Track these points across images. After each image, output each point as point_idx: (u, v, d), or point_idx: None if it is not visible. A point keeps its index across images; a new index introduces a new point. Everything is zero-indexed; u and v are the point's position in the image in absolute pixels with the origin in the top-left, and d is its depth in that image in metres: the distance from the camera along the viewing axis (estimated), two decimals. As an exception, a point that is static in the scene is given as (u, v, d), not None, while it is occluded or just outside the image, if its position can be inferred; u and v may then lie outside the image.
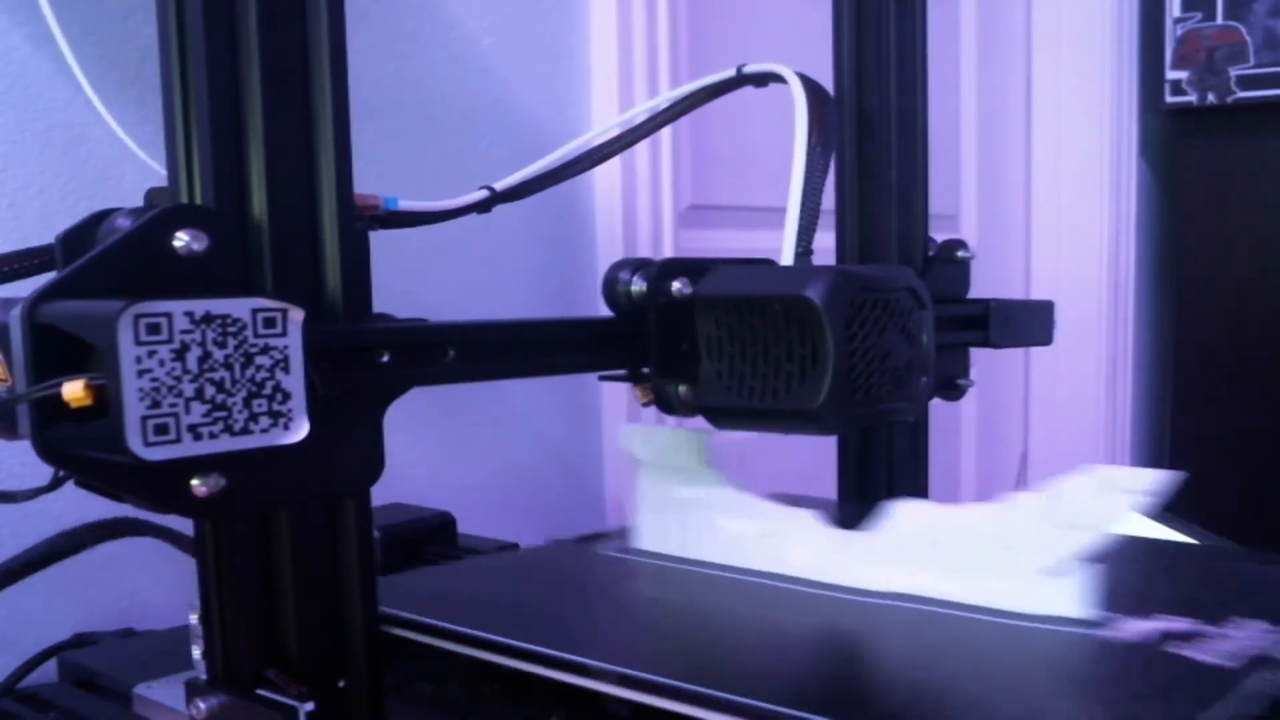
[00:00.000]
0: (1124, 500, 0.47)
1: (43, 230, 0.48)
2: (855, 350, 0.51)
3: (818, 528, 0.56)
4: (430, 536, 0.76)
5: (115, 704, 0.56)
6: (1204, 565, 0.60)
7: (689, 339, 0.54)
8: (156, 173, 0.46)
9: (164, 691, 0.53)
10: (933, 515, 0.53)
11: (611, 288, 0.56)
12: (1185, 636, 0.44)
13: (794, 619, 0.51)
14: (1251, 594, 0.53)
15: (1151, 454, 1.80)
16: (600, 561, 0.62)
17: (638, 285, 0.55)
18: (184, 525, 0.64)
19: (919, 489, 0.75)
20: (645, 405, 0.57)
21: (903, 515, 0.54)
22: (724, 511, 0.59)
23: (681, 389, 0.55)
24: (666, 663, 0.44)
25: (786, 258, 0.56)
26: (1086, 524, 0.48)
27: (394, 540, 0.73)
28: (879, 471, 0.74)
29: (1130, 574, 0.56)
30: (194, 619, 0.46)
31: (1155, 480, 0.47)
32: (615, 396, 1.04)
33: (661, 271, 0.55)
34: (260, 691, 0.44)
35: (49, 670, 0.64)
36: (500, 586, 0.61)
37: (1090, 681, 0.42)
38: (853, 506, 0.62)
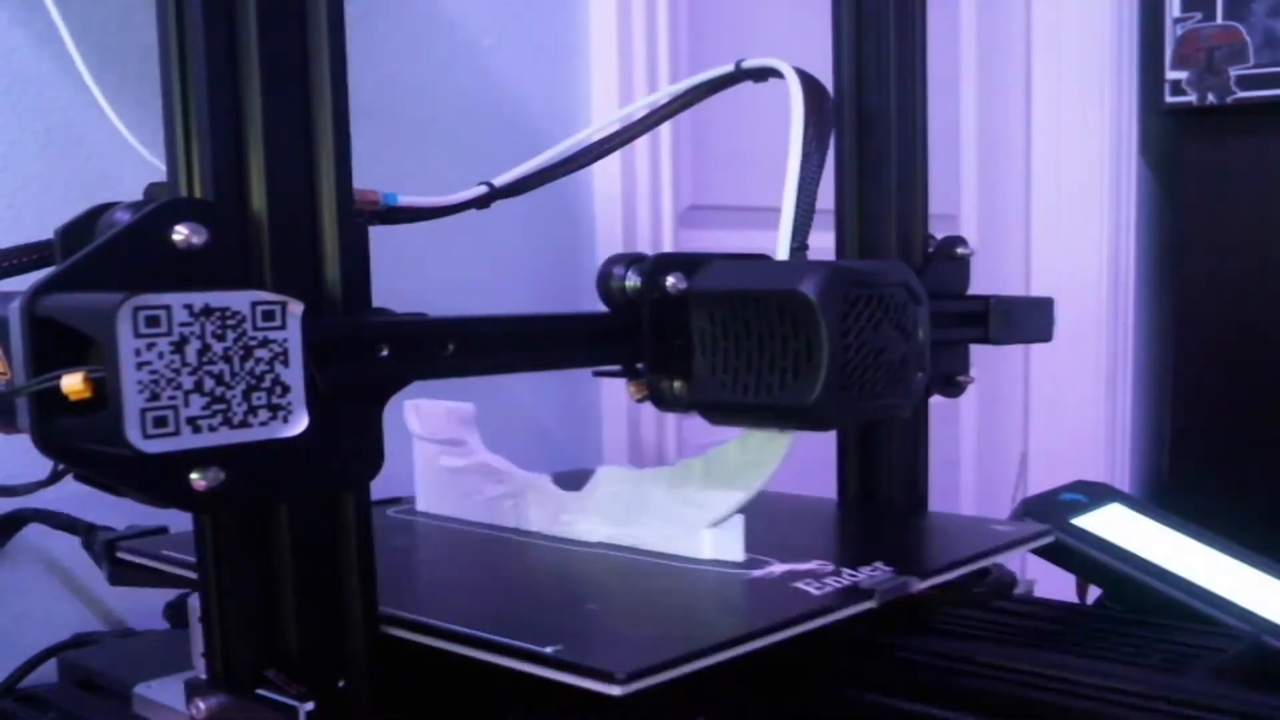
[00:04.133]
0: (768, 463, 0.57)
1: (42, 229, 0.48)
2: (850, 345, 0.50)
3: (549, 490, 0.65)
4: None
5: (115, 704, 0.56)
6: (882, 521, 0.73)
7: (683, 334, 0.54)
8: (156, 171, 0.46)
9: (164, 691, 0.53)
10: (629, 478, 0.62)
11: (606, 283, 0.56)
12: (814, 575, 0.54)
13: (525, 565, 0.60)
14: (908, 542, 0.67)
15: (1151, 454, 1.80)
16: (387, 522, 0.69)
17: (632, 280, 0.55)
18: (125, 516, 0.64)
19: (919, 488, 0.75)
20: (639, 401, 0.57)
21: (607, 479, 0.63)
22: (480, 477, 0.67)
23: (676, 385, 0.55)
24: (415, 603, 0.51)
25: (782, 253, 0.56)
26: (740, 484, 0.58)
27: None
28: (879, 471, 0.74)
29: (812, 529, 0.70)
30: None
31: (787, 445, 0.57)
32: (614, 392, 1.04)
33: (655, 266, 0.55)
34: (260, 691, 0.44)
35: (49, 670, 0.64)
36: None
37: (708, 606, 0.53)
38: (575, 473, 0.69)
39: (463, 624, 0.47)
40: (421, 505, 0.71)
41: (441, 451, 0.68)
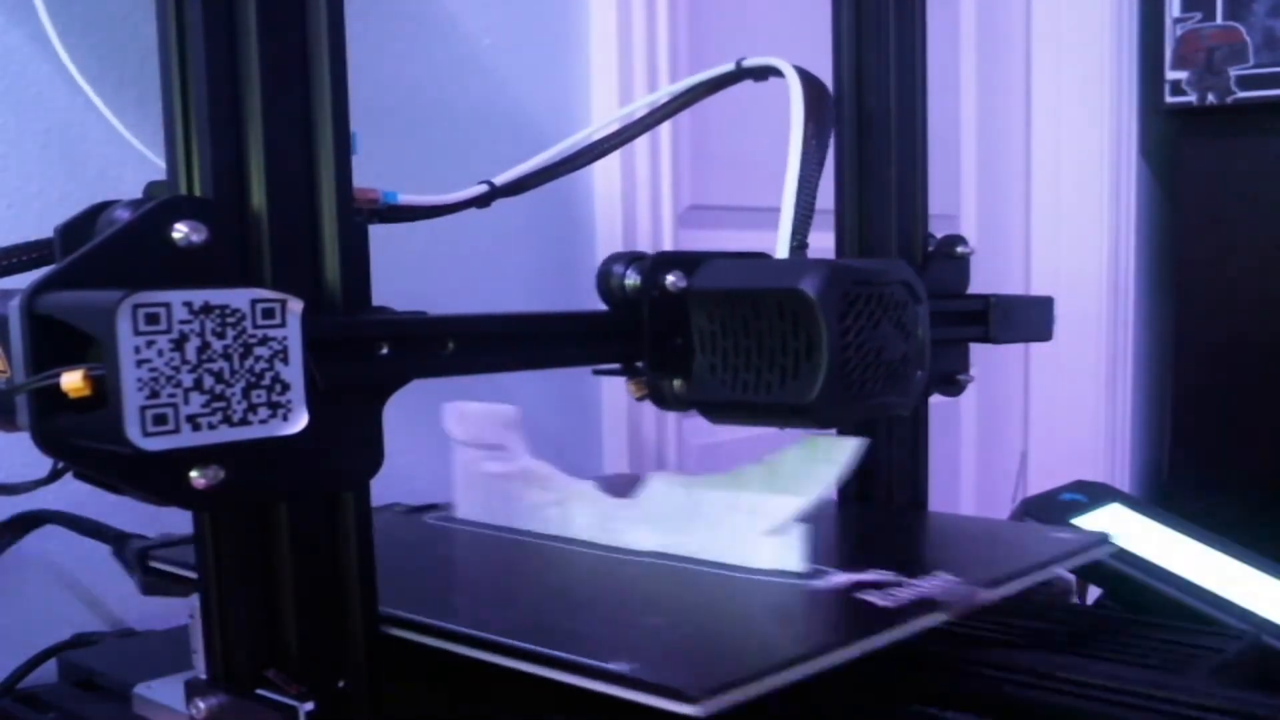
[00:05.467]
0: (830, 470, 0.56)
1: (42, 229, 0.48)
2: (849, 344, 0.50)
3: (597, 497, 0.63)
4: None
5: (115, 704, 0.56)
6: (933, 527, 0.71)
7: (683, 333, 0.54)
8: (156, 169, 0.46)
9: (164, 691, 0.53)
10: (681, 485, 0.60)
11: (605, 281, 0.56)
12: (877, 585, 0.52)
13: (577, 575, 0.58)
14: (963, 551, 0.65)
15: (1152, 454, 1.80)
16: (426, 529, 0.68)
17: (631, 279, 0.55)
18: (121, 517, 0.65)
19: (919, 488, 0.74)
20: (639, 399, 0.57)
21: (658, 485, 0.61)
22: (523, 483, 0.65)
23: (675, 383, 0.55)
24: (462, 614, 0.50)
25: (781, 251, 0.56)
26: (800, 491, 0.56)
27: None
28: (879, 471, 0.74)
29: (868, 534, 0.69)
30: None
31: (854, 450, 0.56)
32: (615, 391, 1.04)
33: (655, 265, 0.55)
34: (260, 691, 0.44)
35: (49, 670, 0.64)
36: None
37: (775, 619, 0.51)
38: (619, 478, 0.68)
39: (520, 638, 0.45)
40: (462, 512, 0.69)
41: (484, 456, 0.66)
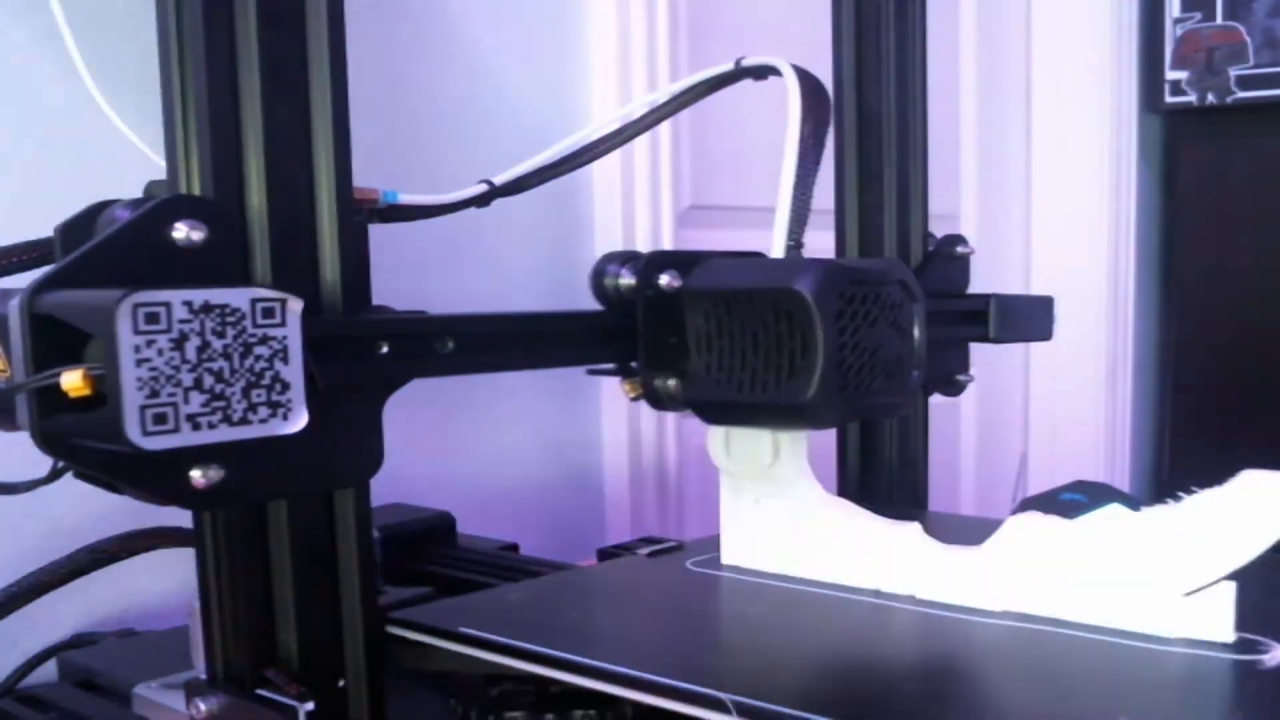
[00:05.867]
0: (1276, 511, 0.44)
1: (42, 228, 0.48)
2: (845, 343, 0.50)
3: (923, 542, 0.52)
4: (430, 536, 0.76)
5: (115, 704, 0.56)
6: None
7: (678, 332, 0.54)
8: (156, 169, 0.46)
9: (164, 691, 0.53)
10: (1053, 529, 0.49)
11: (600, 281, 0.56)
12: None
13: (905, 641, 0.47)
14: None
15: (1151, 454, 1.80)
16: (693, 579, 0.57)
17: (626, 278, 0.55)
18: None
19: (919, 488, 0.74)
20: (634, 399, 0.57)
21: (1019, 529, 0.49)
22: (817, 521, 0.55)
23: (670, 383, 0.55)
24: (779, 690, 0.40)
25: (777, 250, 0.56)
26: (1234, 539, 0.44)
27: (394, 540, 0.72)
28: (879, 470, 0.74)
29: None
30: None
31: None
32: (615, 391, 1.03)
33: (650, 264, 0.54)
34: (260, 691, 0.44)
35: (49, 670, 0.64)
36: (597, 610, 0.55)
37: (1224, 708, 0.39)
38: (945, 518, 0.59)
39: None
40: (729, 557, 0.59)
41: (761, 490, 0.57)
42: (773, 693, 0.39)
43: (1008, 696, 0.40)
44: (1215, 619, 0.44)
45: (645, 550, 0.63)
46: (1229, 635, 0.44)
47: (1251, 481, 0.45)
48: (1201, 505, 0.46)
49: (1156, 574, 0.46)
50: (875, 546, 0.53)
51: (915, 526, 0.53)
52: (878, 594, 0.53)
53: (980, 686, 0.42)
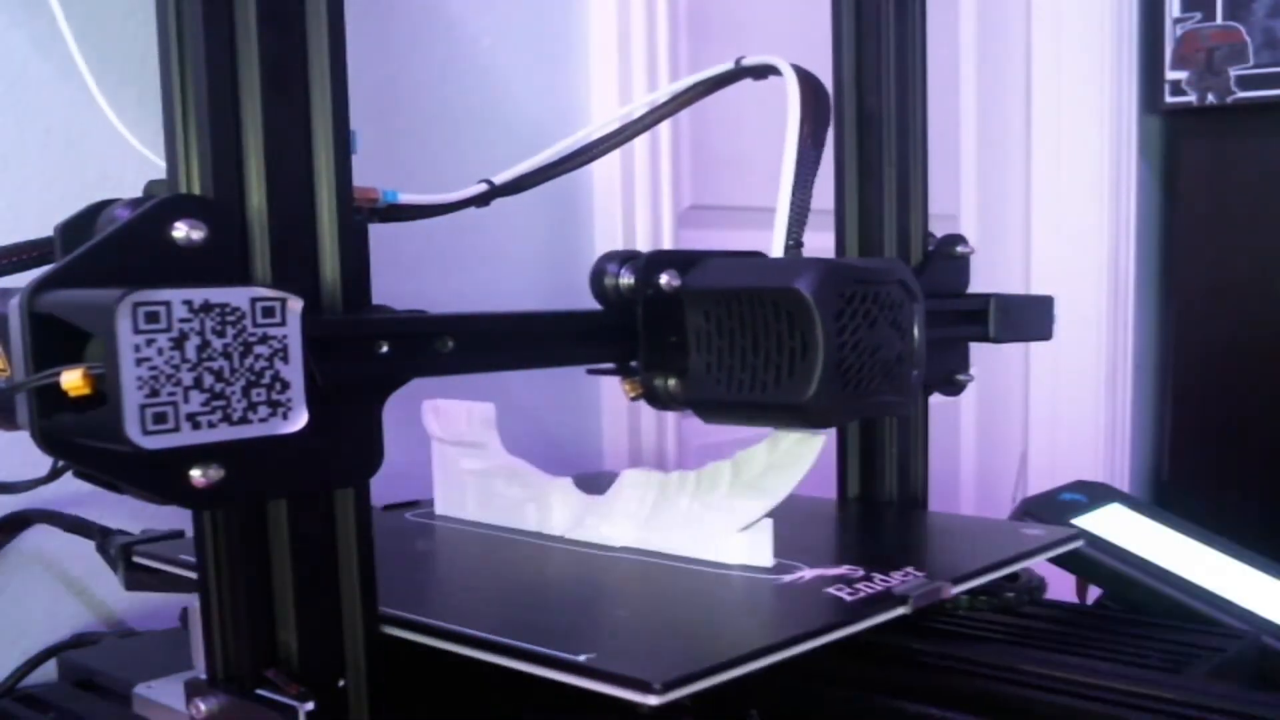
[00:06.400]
0: (796, 468, 0.57)
1: (42, 228, 0.48)
2: (845, 343, 0.50)
3: (572, 493, 0.65)
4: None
5: (115, 704, 0.56)
6: (910, 525, 0.72)
7: (677, 332, 0.54)
8: (156, 168, 0.46)
9: (164, 691, 0.53)
10: (654, 482, 0.62)
11: (599, 280, 0.56)
12: (844, 580, 0.53)
13: (550, 570, 0.60)
14: (935, 547, 0.67)
15: (1151, 454, 1.80)
16: (406, 525, 0.68)
17: (626, 278, 0.55)
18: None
19: (919, 488, 0.74)
20: (634, 399, 0.57)
21: (631, 482, 0.62)
22: (502, 480, 0.66)
23: (670, 382, 0.55)
24: (438, 608, 0.51)
25: (776, 250, 0.56)
26: (769, 487, 0.57)
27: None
28: (879, 470, 0.74)
29: (834, 531, 0.71)
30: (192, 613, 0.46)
31: (817, 448, 0.57)
32: (614, 392, 1.03)
33: (649, 264, 0.54)
34: (260, 691, 0.44)
35: (49, 670, 0.64)
36: None
37: (740, 613, 0.52)
38: (595, 476, 0.69)
39: (489, 630, 0.46)
40: (440, 509, 0.70)
41: (462, 454, 0.67)
42: (445, 613, 0.49)
43: (621, 611, 0.52)
44: (760, 549, 0.57)
45: (381, 505, 0.73)
46: (769, 561, 0.57)
47: (783, 440, 0.58)
48: (748, 460, 0.59)
49: (719, 516, 0.58)
50: (538, 498, 0.65)
51: (567, 481, 0.65)
52: (539, 535, 0.64)
53: (604, 605, 0.53)
